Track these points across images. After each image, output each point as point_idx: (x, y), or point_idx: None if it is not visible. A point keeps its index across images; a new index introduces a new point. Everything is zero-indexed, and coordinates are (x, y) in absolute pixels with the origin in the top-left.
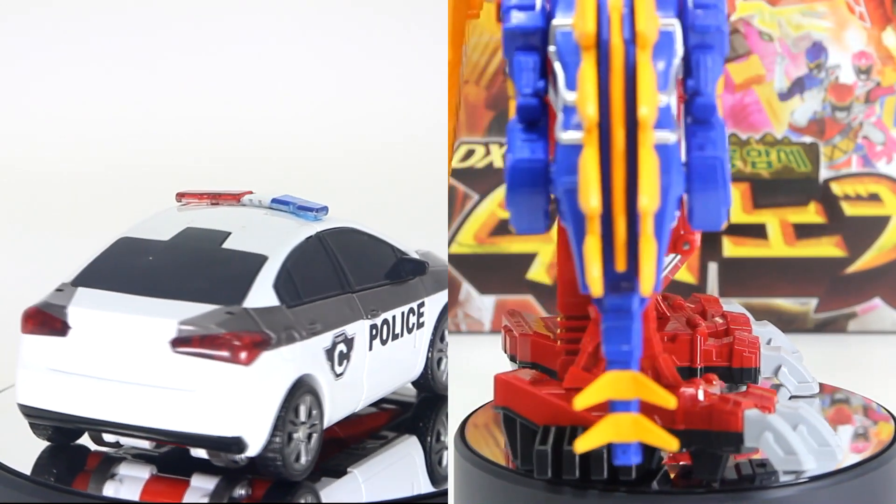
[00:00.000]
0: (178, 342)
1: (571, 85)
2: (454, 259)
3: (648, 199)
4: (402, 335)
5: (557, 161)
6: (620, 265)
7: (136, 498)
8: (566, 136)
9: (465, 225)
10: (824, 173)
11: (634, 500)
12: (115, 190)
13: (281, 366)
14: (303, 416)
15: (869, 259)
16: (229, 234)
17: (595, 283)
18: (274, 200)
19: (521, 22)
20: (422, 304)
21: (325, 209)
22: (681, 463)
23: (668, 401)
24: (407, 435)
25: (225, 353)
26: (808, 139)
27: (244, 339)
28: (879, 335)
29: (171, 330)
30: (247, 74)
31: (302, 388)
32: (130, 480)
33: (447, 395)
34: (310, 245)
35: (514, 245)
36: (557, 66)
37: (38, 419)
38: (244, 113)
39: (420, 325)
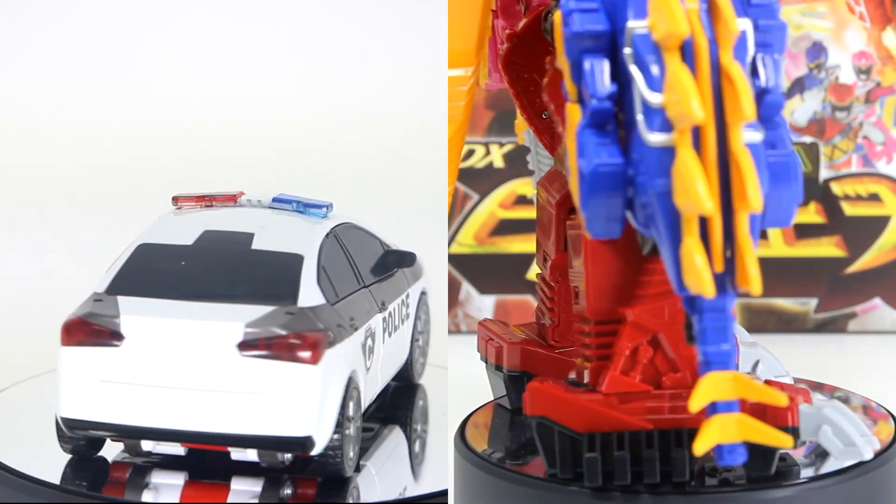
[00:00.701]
0: (245, 345)
1: (654, 86)
2: (454, 259)
3: (755, 199)
4: (399, 327)
5: (646, 163)
6: (719, 266)
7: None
8: (654, 137)
9: (465, 225)
10: (824, 173)
11: (637, 500)
12: (92, 189)
13: (339, 363)
14: (351, 411)
15: (869, 259)
16: (252, 234)
17: (707, 284)
18: (276, 199)
19: (588, 25)
20: (408, 295)
21: (331, 206)
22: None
23: (779, 398)
24: (390, 426)
25: (293, 354)
26: (808, 139)
27: (309, 338)
28: (879, 335)
29: (237, 334)
30: (243, 72)
31: (351, 385)
32: (166, 488)
33: (420, 383)
34: (330, 242)
35: (514, 245)
36: (634, 69)
37: (86, 431)
38: (239, 111)
39: (407, 316)
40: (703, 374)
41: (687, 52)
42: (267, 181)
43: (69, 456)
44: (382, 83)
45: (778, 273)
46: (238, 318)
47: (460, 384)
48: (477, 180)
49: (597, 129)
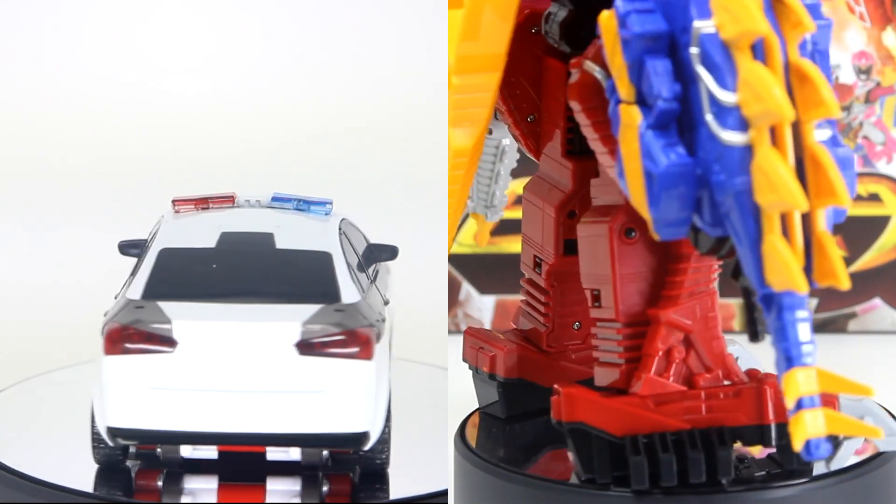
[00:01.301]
0: (303, 345)
1: (726, 85)
2: (454, 259)
3: (844, 194)
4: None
5: (722, 162)
6: (801, 261)
7: None
8: (730, 136)
9: (465, 225)
10: None
11: (638, 500)
12: (75, 187)
13: (384, 358)
14: (390, 405)
15: (869, 259)
16: (271, 234)
17: (800, 279)
18: (275, 198)
19: (648, 26)
20: (388, 287)
21: (332, 202)
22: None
23: (865, 390)
24: None
25: (350, 351)
26: None
27: (362, 335)
28: (879, 335)
29: (294, 333)
30: (237, 70)
31: (390, 379)
32: (202, 492)
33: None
34: (342, 238)
35: (514, 245)
36: (702, 69)
37: (134, 440)
38: (236, 109)
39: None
40: (784, 371)
41: (758, 50)
42: (266, 177)
43: (68, 456)
44: (383, 81)
45: None
46: (292, 318)
47: (460, 384)
48: None
49: (660, 130)
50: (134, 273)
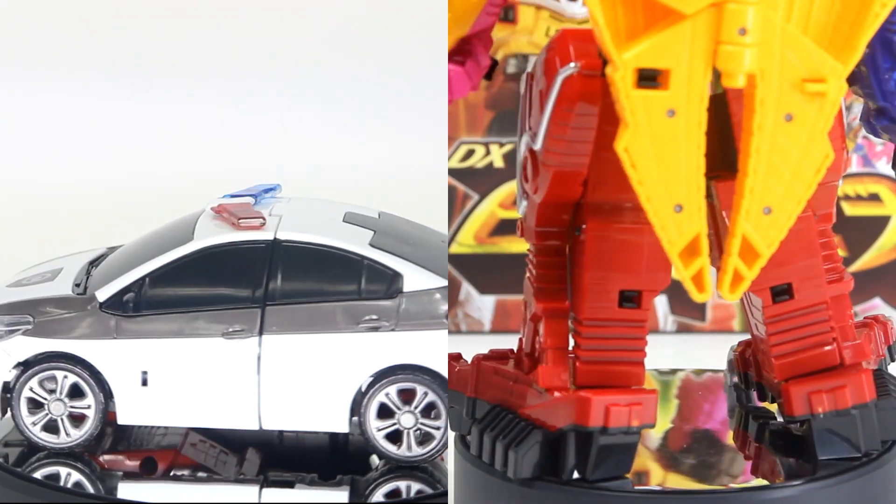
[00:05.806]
0: None
1: None
2: (454, 259)
3: None
4: None
5: None
6: None
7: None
8: None
9: (465, 225)
10: None
11: (638, 499)
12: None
13: None
14: None
15: (869, 259)
16: (357, 212)
17: None
18: (256, 196)
19: None
20: None
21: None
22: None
23: None
24: None
25: None
26: None
27: None
28: None
29: None
30: (233, 75)
31: None
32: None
33: None
34: None
35: (514, 245)
36: None
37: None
38: (234, 108)
39: None
40: None
41: None
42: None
43: (67, 457)
44: (383, 81)
45: None
46: None
47: None
48: (477, 180)
49: None
50: (355, 274)
